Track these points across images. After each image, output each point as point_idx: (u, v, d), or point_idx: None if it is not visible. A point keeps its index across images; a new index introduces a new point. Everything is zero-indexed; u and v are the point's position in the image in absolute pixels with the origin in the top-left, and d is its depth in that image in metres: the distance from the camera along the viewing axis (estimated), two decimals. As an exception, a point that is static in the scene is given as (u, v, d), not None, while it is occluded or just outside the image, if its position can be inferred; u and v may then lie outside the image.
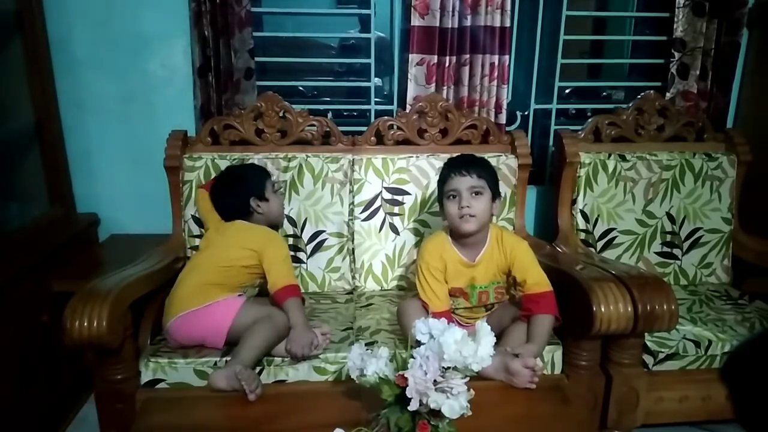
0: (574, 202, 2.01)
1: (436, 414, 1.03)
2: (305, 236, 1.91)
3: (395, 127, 1.97)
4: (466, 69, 2.02)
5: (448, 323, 1.09)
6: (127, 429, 1.26)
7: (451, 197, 1.52)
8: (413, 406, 1.02)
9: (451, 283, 1.56)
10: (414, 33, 1.97)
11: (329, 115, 2.15)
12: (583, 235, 2.01)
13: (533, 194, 2.23)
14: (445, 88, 2.02)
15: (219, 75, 1.97)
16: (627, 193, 2.01)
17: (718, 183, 2.04)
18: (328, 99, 2.46)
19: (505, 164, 1.95)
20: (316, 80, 2.46)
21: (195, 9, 1.89)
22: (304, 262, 1.92)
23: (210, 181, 1.84)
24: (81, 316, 1.35)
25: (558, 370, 1.59)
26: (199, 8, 1.89)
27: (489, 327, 1.09)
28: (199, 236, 1.85)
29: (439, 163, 1.79)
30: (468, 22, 1.98)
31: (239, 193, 1.72)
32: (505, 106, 2.08)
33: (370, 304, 1.84)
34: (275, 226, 1.82)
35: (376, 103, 2.20)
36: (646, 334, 1.59)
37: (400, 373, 1.04)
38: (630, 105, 2.06)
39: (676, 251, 2.05)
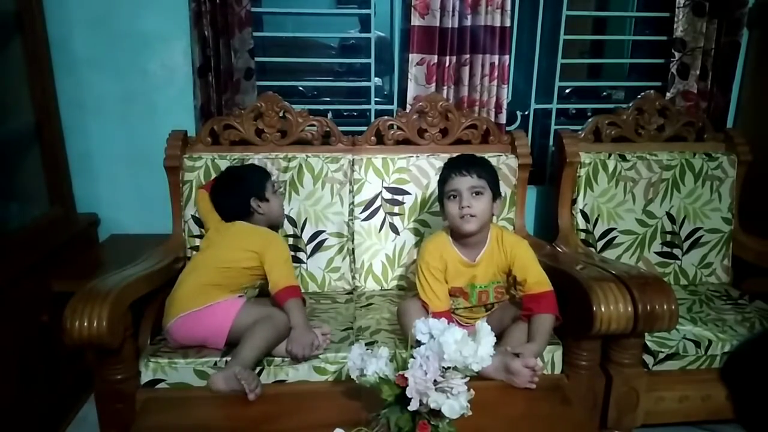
0: (574, 202, 2.01)
1: (436, 414, 1.03)
2: (305, 236, 1.91)
3: (395, 126, 1.97)
4: (467, 69, 2.02)
5: (448, 323, 1.09)
6: (127, 429, 1.26)
7: (452, 197, 1.52)
8: (413, 406, 1.02)
9: (451, 283, 1.56)
10: (414, 33, 1.97)
11: (329, 115, 2.15)
12: (583, 235, 2.01)
13: (533, 194, 2.23)
14: (445, 87, 2.02)
15: (219, 75, 1.97)
16: (627, 193, 2.01)
17: (718, 183, 2.04)
18: (328, 99, 2.47)
19: (505, 164, 1.95)
20: (316, 80, 2.46)
21: (195, 9, 1.89)
22: (304, 262, 1.92)
23: (210, 181, 1.83)
24: (81, 316, 1.35)
25: (558, 370, 1.59)
26: (199, 8, 1.89)
27: (489, 327, 1.09)
28: (199, 236, 1.85)
29: (439, 163, 1.79)
30: (468, 22, 1.98)
31: (239, 194, 1.72)
32: (505, 105, 2.09)
33: (370, 304, 1.84)
34: (275, 226, 1.82)
35: (376, 102, 2.20)
36: (646, 334, 1.59)
37: (400, 373, 1.04)
38: (630, 105, 2.06)
39: (676, 251, 2.05)
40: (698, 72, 2.12)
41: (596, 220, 2.01)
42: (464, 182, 1.50)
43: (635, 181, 2.01)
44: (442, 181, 1.56)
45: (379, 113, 2.17)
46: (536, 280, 1.50)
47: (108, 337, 1.36)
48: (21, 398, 1.63)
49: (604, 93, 2.54)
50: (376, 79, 2.20)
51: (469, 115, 2.00)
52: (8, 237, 1.71)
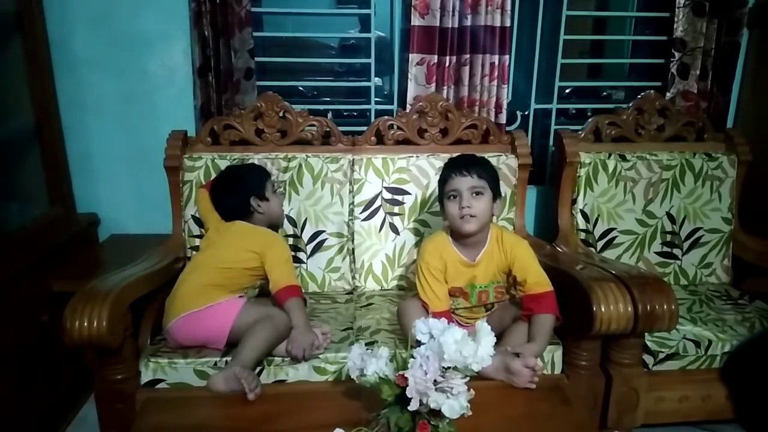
0: (574, 202, 2.01)
1: (436, 414, 1.03)
2: (305, 236, 1.91)
3: (395, 126, 1.97)
4: (467, 69, 2.02)
5: (448, 323, 1.09)
6: (127, 429, 1.26)
7: (452, 197, 1.52)
8: (413, 406, 1.02)
9: (451, 283, 1.56)
10: (414, 33, 1.97)
11: (329, 115, 2.15)
12: (583, 235, 2.01)
13: (533, 194, 2.23)
14: (445, 87, 2.02)
15: (219, 75, 1.97)
16: (627, 193, 2.01)
17: (718, 183, 2.04)
18: (328, 99, 2.46)
19: (505, 164, 1.95)
20: (316, 80, 2.46)
21: (195, 9, 1.89)
22: (304, 262, 1.92)
23: (211, 180, 1.83)
24: (81, 316, 1.35)
25: (558, 370, 1.59)
26: (199, 8, 1.89)
27: (489, 327, 1.09)
28: (199, 236, 1.85)
29: (440, 163, 1.79)
30: (468, 22, 1.98)
31: (239, 193, 1.72)
32: (505, 105, 2.08)
33: (370, 304, 1.84)
34: (275, 226, 1.82)
35: (376, 102, 2.20)
36: (646, 334, 1.59)
37: (400, 373, 1.04)
38: (630, 105, 2.06)
39: (676, 251, 2.05)
40: (698, 72, 2.12)
41: (596, 220, 2.01)
42: (464, 182, 1.50)
43: (635, 181, 2.01)
44: (443, 181, 1.56)
45: (379, 113, 2.17)
46: (536, 280, 1.50)
47: (108, 337, 1.36)
48: (21, 398, 1.63)
49: (604, 93, 2.54)
50: (376, 79, 2.20)
51: (469, 115, 2.00)
52: (8, 237, 1.71)
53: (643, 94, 2.06)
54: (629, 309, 1.47)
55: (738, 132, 2.10)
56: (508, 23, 1.99)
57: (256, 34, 2.01)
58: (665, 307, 1.49)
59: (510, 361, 1.34)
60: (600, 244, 2.01)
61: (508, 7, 1.97)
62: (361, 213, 1.93)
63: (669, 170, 2.02)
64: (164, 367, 1.49)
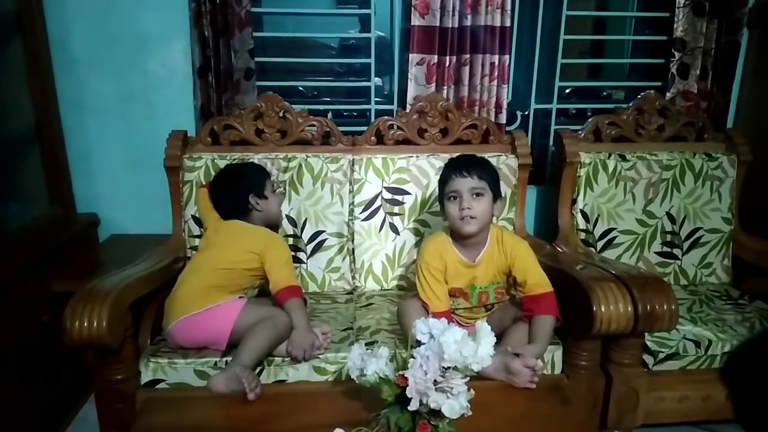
0: (574, 202, 2.01)
1: (436, 414, 1.03)
2: (305, 236, 1.91)
3: (395, 126, 1.97)
4: (467, 69, 2.02)
5: (448, 323, 1.09)
6: (127, 429, 1.26)
7: (452, 198, 1.52)
8: (413, 406, 1.02)
9: (451, 284, 1.56)
10: (414, 33, 1.97)
11: (329, 115, 2.15)
12: (583, 235, 2.01)
13: (533, 194, 2.23)
14: (445, 87, 2.02)
15: (219, 75, 1.97)
16: (627, 193, 2.01)
17: (718, 183, 2.04)
18: (328, 99, 2.46)
19: (505, 164, 1.95)
20: (316, 80, 2.46)
21: (195, 9, 1.89)
22: (304, 262, 1.92)
23: (211, 179, 1.83)
24: (81, 316, 1.35)
25: (558, 370, 1.59)
26: (199, 8, 1.89)
27: (489, 327, 1.09)
28: (199, 236, 1.85)
29: (440, 163, 1.79)
30: (468, 22, 1.98)
31: (238, 190, 1.71)
32: (505, 105, 2.08)
33: (370, 304, 1.84)
34: (273, 226, 1.82)
35: (376, 102, 2.20)
36: (646, 334, 1.59)
37: (400, 373, 1.03)
38: (630, 105, 2.06)
39: (676, 251, 2.05)
40: (698, 72, 2.12)
41: (596, 220, 2.01)
42: (465, 183, 1.50)
43: (635, 181, 2.01)
44: (443, 182, 1.56)
45: (379, 113, 2.17)
46: (536, 281, 1.50)
47: (108, 337, 1.36)
48: (21, 398, 1.63)
49: (604, 93, 2.54)
50: (376, 79, 2.20)
51: (469, 115, 2.00)
52: (8, 237, 1.71)
53: (643, 94, 2.06)
54: (629, 309, 1.47)
55: (738, 132, 2.10)
56: (508, 23, 1.99)
57: (256, 34, 2.01)
58: (665, 307, 1.49)
59: (510, 361, 1.34)
60: (600, 244, 2.01)
61: (508, 7, 1.97)
62: (361, 213, 1.93)
63: (669, 170, 2.02)
64: (164, 367, 1.49)
